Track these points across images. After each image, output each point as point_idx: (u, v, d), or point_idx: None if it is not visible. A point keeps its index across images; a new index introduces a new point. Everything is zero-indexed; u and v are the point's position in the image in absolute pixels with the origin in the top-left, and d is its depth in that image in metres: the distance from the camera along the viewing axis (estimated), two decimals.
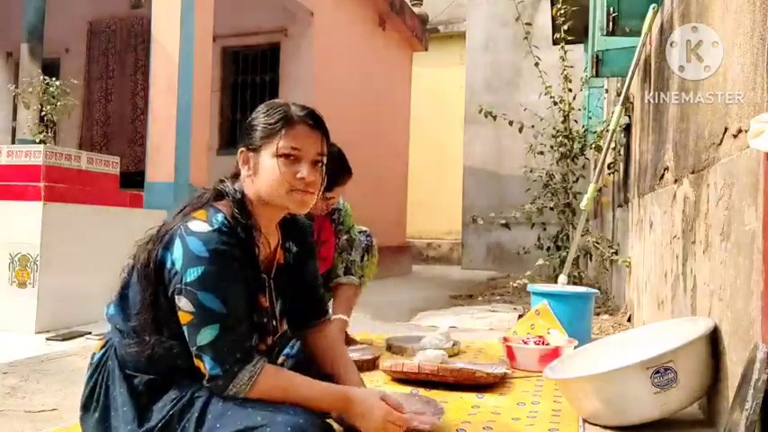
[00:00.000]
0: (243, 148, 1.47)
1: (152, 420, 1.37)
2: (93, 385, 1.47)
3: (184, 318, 1.34)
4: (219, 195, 1.47)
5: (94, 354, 1.51)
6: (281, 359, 1.66)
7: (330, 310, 1.71)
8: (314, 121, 1.46)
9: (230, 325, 1.34)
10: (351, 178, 2.68)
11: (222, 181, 1.50)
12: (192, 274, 1.32)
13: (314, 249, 1.70)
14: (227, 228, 1.37)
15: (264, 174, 1.43)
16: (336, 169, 2.63)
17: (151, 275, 1.38)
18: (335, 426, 1.57)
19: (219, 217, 1.38)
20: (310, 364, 1.64)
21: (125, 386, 1.41)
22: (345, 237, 2.86)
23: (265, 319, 1.50)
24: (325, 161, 1.48)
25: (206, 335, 1.32)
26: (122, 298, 1.47)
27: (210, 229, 1.35)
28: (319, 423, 1.35)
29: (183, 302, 1.34)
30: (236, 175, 1.50)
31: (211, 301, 1.32)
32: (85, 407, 1.47)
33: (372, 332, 3.33)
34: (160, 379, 1.41)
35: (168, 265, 1.36)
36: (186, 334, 1.35)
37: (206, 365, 1.33)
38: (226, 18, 5.94)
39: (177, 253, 1.35)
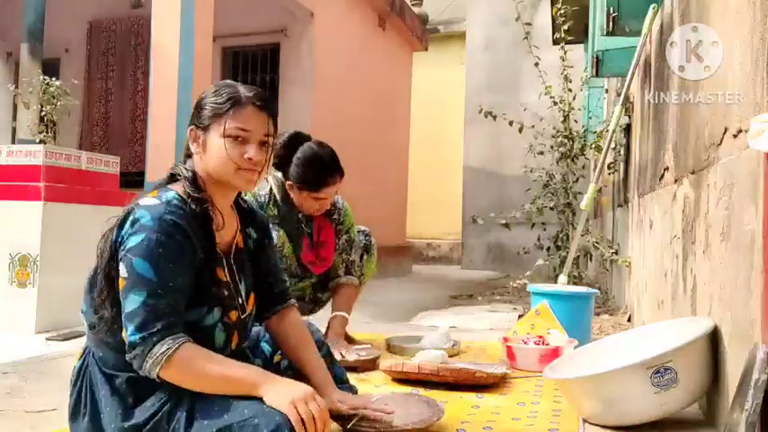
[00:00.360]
0: (192, 127, 1.49)
1: (138, 418, 1.37)
2: (78, 393, 1.47)
3: (120, 284, 1.35)
4: (173, 179, 1.50)
5: (74, 366, 1.51)
6: (276, 357, 1.67)
7: (293, 300, 1.72)
8: (262, 102, 1.47)
9: (158, 294, 1.32)
10: (342, 179, 2.66)
11: (176, 165, 1.52)
12: (133, 241, 1.34)
13: (272, 238, 1.73)
14: (177, 201, 1.40)
15: (212, 152, 1.45)
16: (327, 170, 2.61)
17: (106, 254, 1.40)
18: (334, 425, 1.58)
19: (170, 194, 1.42)
20: None
21: (107, 387, 1.42)
22: (345, 237, 2.86)
23: (226, 292, 1.50)
24: (271, 141, 1.50)
25: (131, 301, 1.32)
26: (91, 288, 1.47)
27: (159, 202, 1.39)
28: None
29: (121, 269, 1.35)
30: (188, 156, 1.52)
31: (143, 267, 1.32)
32: (74, 415, 1.47)
33: (372, 332, 3.32)
34: (141, 377, 1.38)
35: (119, 240, 1.38)
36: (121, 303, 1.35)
37: (127, 332, 1.31)
38: (226, 18, 5.94)
39: (126, 226, 1.38)
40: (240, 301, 1.54)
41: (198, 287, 1.42)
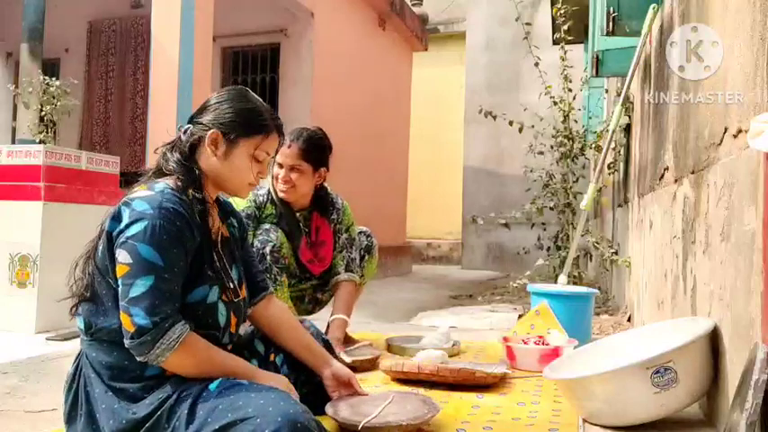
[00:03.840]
0: (216, 132, 1.52)
1: (136, 415, 1.37)
2: (73, 396, 1.47)
3: (121, 270, 1.37)
4: (160, 174, 1.54)
5: (68, 372, 1.52)
6: (271, 356, 1.71)
7: (271, 288, 1.76)
8: (282, 132, 1.62)
9: (165, 279, 1.36)
10: (301, 152, 2.63)
11: (165, 156, 1.55)
12: (135, 228, 1.37)
13: (247, 229, 1.80)
14: (170, 191, 1.44)
15: (235, 164, 1.53)
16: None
17: (98, 243, 1.45)
18: (330, 422, 1.59)
19: (160, 185, 1.46)
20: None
21: (102, 386, 1.42)
22: (345, 235, 2.86)
23: (220, 275, 1.53)
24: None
25: (140, 286, 1.34)
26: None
27: (153, 192, 1.43)
28: (310, 414, 1.32)
29: (122, 255, 1.37)
30: (174, 146, 1.56)
31: (149, 253, 1.35)
32: (70, 419, 1.47)
33: (372, 332, 3.33)
34: (136, 375, 1.40)
35: (116, 231, 1.40)
36: (120, 289, 1.37)
37: (134, 318, 1.33)
38: (226, 18, 5.94)
39: (124, 216, 1.40)
40: (232, 285, 1.57)
41: (199, 269, 1.46)
